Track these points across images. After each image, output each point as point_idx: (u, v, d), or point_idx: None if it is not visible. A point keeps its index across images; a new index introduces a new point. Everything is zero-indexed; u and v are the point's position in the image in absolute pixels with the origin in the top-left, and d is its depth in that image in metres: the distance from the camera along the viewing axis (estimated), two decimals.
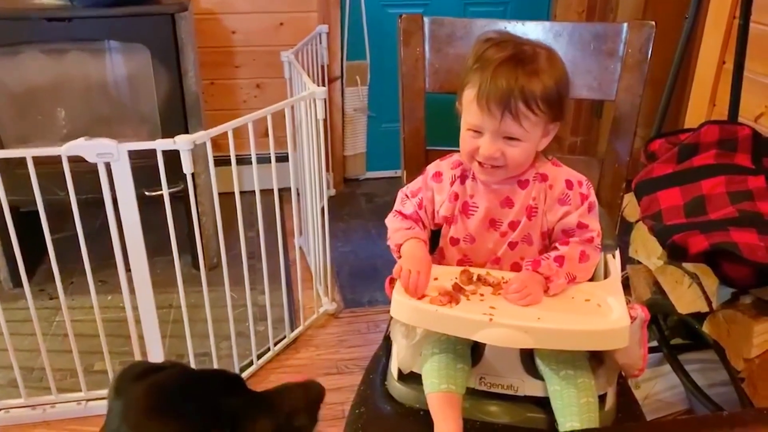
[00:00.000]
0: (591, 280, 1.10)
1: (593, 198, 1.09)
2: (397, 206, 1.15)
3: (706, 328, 1.36)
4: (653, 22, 1.25)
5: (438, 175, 1.11)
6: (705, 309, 1.36)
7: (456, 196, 1.10)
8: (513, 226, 1.08)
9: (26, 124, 2.14)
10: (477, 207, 1.09)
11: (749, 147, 1.51)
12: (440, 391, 1.00)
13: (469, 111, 1.02)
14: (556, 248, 1.06)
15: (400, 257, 1.07)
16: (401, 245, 1.08)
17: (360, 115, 2.92)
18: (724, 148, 1.50)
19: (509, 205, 1.07)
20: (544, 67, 1.00)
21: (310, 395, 0.77)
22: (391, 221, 1.13)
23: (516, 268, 1.09)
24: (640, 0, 2.87)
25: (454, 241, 1.11)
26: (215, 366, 1.73)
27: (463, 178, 1.09)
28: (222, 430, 0.63)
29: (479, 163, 1.03)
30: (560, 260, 1.03)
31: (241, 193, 1.62)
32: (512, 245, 1.08)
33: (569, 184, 1.07)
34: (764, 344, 1.27)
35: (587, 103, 3.00)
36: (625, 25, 1.26)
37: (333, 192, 2.92)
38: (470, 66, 1.03)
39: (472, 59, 1.03)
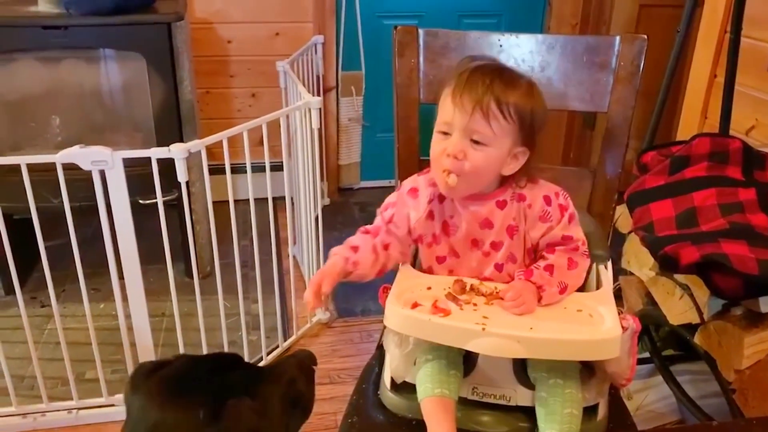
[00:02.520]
0: (583, 290, 1.11)
1: (572, 207, 1.08)
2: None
3: (697, 339, 1.37)
4: (645, 36, 1.26)
5: (414, 191, 1.10)
6: (696, 320, 1.36)
7: (432, 215, 1.08)
8: (496, 246, 1.08)
9: (20, 131, 2.14)
10: (458, 227, 1.08)
11: (740, 160, 1.52)
12: (434, 396, 1.00)
13: (443, 108, 1.03)
14: (543, 257, 1.07)
15: None
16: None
17: (355, 124, 2.93)
18: (715, 161, 1.51)
19: (489, 226, 1.07)
20: (523, 88, 1.02)
21: (303, 362, 0.82)
22: (350, 238, 1.11)
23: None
24: (633, 13, 2.90)
25: (441, 259, 1.11)
26: None
27: (441, 197, 1.08)
28: (239, 398, 0.66)
29: (447, 173, 1.02)
30: (550, 269, 1.04)
31: (235, 201, 1.63)
32: (498, 267, 1.08)
33: (547, 200, 1.07)
34: (755, 355, 1.27)
35: (580, 115, 3.03)
36: (618, 37, 1.28)
37: (327, 201, 2.93)
38: (451, 75, 1.05)
39: (454, 72, 1.05)
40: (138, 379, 0.70)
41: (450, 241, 1.09)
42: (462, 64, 1.05)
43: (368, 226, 1.12)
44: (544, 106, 1.05)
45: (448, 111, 1.01)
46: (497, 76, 1.01)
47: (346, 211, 2.92)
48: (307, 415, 0.81)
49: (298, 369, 0.79)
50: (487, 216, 1.07)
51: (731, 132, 1.79)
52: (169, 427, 0.64)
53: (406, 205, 1.10)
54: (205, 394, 0.67)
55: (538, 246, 1.09)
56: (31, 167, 1.42)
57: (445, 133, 1.02)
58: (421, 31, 1.33)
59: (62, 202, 1.45)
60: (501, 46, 1.32)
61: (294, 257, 2.26)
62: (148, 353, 1.65)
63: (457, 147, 1.00)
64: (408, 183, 1.12)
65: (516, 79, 1.03)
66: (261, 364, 1.85)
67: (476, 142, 1.00)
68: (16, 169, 1.42)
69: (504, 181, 1.08)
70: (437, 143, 1.03)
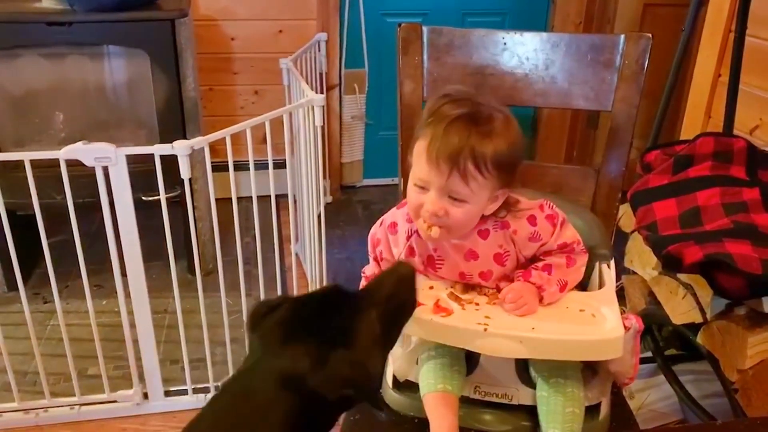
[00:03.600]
0: (585, 289, 1.11)
1: (560, 214, 1.06)
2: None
3: (700, 338, 1.37)
4: (650, 34, 1.26)
5: (393, 226, 1.09)
6: (699, 320, 1.36)
7: (412, 251, 1.07)
8: (485, 276, 1.06)
9: (24, 127, 2.14)
10: (443, 261, 1.07)
11: (744, 159, 1.52)
12: (437, 391, 1.00)
13: (418, 164, 0.98)
14: (541, 259, 1.06)
15: None
16: None
17: (357, 122, 2.93)
18: (719, 160, 1.51)
19: (474, 257, 1.05)
20: (499, 129, 0.97)
21: (400, 277, 0.83)
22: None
23: None
24: (638, 12, 2.89)
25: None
26: (210, 372, 1.73)
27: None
28: (336, 351, 0.70)
29: (423, 220, 1.00)
30: (548, 269, 1.03)
31: (238, 199, 1.63)
32: (497, 287, 1.06)
33: (533, 220, 1.04)
34: (758, 355, 1.27)
35: (583, 114, 3.02)
36: (623, 36, 1.27)
37: (330, 199, 2.93)
38: (425, 119, 1.00)
39: (427, 113, 1.00)
40: (255, 320, 0.75)
41: (438, 275, 1.08)
42: (435, 108, 0.99)
43: (366, 270, 1.13)
44: (522, 140, 1.01)
45: (423, 168, 0.97)
46: (472, 125, 0.95)
47: (348, 209, 2.92)
48: (408, 317, 0.85)
49: (395, 285, 0.82)
50: (470, 247, 1.04)
51: (735, 131, 1.78)
52: (275, 375, 0.67)
53: (389, 240, 1.09)
54: (308, 343, 0.70)
55: (535, 255, 1.08)
56: (34, 163, 1.43)
57: (422, 188, 0.98)
58: (425, 29, 1.33)
59: (65, 199, 1.45)
60: (505, 44, 1.32)
61: (296, 255, 2.26)
62: (150, 350, 1.66)
63: (436, 205, 0.97)
64: (388, 218, 1.10)
65: (491, 121, 0.97)
66: None
67: (455, 199, 0.97)
68: (19, 165, 1.43)
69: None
70: (415, 195, 0.99)
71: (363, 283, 1.10)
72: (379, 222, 1.12)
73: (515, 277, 1.04)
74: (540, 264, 1.04)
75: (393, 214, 1.10)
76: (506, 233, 1.04)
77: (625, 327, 0.96)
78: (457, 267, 1.06)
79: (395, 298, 0.81)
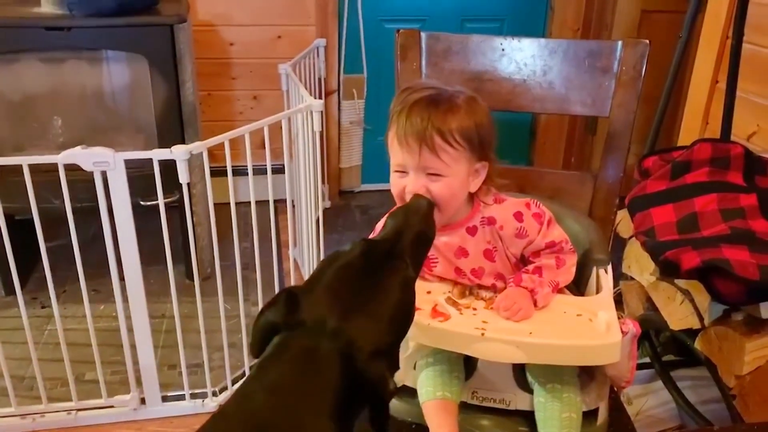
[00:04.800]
0: (583, 294, 1.11)
1: (547, 212, 1.08)
2: None
3: (698, 344, 1.37)
4: (647, 41, 1.26)
5: None
6: (697, 325, 1.36)
7: None
8: (476, 273, 1.07)
9: (22, 132, 2.14)
10: (437, 260, 1.08)
11: (741, 165, 1.52)
12: (436, 399, 1.00)
13: (392, 150, 1.03)
14: (531, 261, 1.07)
15: None
16: None
17: (356, 128, 2.94)
18: (716, 166, 1.51)
19: (464, 255, 1.07)
20: (461, 106, 1.00)
21: (419, 211, 0.89)
22: None
23: None
24: (635, 19, 2.90)
25: None
26: (207, 377, 1.72)
27: None
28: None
29: None
30: (539, 271, 1.04)
31: (236, 203, 1.62)
32: (490, 288, 1.08)
33: (519, 216, 1.06)
34: (756, 361, 1.27)
35: (581, 120, 3.03)
36: (620, 42, 1.28)
37: (328, 204, 2.93)
38: (391, 112, 1.04)
39: (392, 106, 1.04)
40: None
41: (434, 273, 1.09)
42: (399, 100, 1.04)
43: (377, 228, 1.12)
44: (489, 117, 1.04)
45: (397, 153, 1.02)
46: (433, 107, 0.99)
47: (346, 214, 2.92)
48: (429, 246, 0.90)
49: (422, 223, 0.87)
50: (460, 245, 1.06)
51: (732, 138, 1.78)
52: (336, 346, 0.68)
53: None
54: (360, 312, 0.72)
55: (523, 256, 1.08)
56: (33, 168, 1.43)
57: (401, 172, 1.02)
58: (423, 35, 1.33)
59: (63, 203, 1.45)
60: (503, 50, 1.32)
61: (295, 260, 2.26)
62: (147, 355, 1.65)
63: (416, 184, 1.00)
64: (380, 224, 1.12)
65: (453, 102, 1.01)
66: None
67: (433, 175, 1.00)
68: (17, 169, 1.43)
69: (472, 204, 1.07)
70: (397, 181, 1.03)
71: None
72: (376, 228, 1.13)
73: (507, 283, 1.05)
74: (530, 267, 1.05)
75: (384, 220, 1.10)
76: (493, 229, 1.06)
77: (623, 332, 0.96)
78: (451, 264, 1.07)
79: (420, 235, 0.85)
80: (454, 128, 0.99)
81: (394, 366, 0.75)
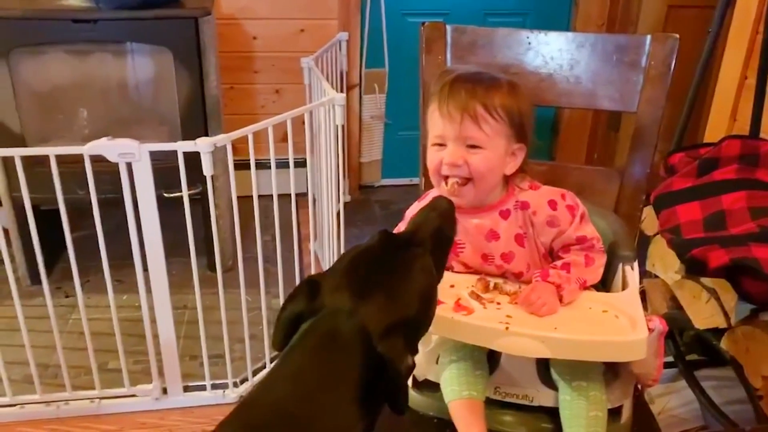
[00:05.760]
0: (609, 291, 1.10)
1: (581, 206, 1.08)
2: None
3: (723, 344, 1.35)
4: (677, 35, 1.24)
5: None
6: (723, 325, 1.34)
7: None
8: (506, 258, 1.07)
9: (48, 123, 2.16)
10: (464, 246, 1.08)
11: None
12: (462, 398, 1.00)
13: (432, 123, 1.04)
14: (560, 257, 1.06)
15: None
16: None
17: (377, 122, 2.93)
18: (745, 163, 1.49)
19: (495, 238, 1.07)
20: (503, 86, 1.03)
21: (441, 212, 0.87)
22: None
23: None
24: (662, 13, 2.86)
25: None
26: (228, 368, 1.73)
27: None
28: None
29: (446, 179, 1.03)
30: (567, 267, 1.03)
31: (258, 197, 1.63)
32: (517, 275, 1.08)
33: (553, 204, 1.06)
34: None
35: (604, 117, 3.00)
36: (649, 36, 1.26)
37: (348, 198, 2.93)
38: (431, 91, 1.07)
39: (435, 83, 1.07)
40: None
41: (460, 260, 1.08)
42: (441, 77, 1.06)
43: (406, 214, 1.13)
44: (530, 103, 1.07)
45: (437, 124, 1.03)
46: (477, 82, 1.02)
47: (366, 208, 2.92)
48: (450, 247, 0.90)
49: (440, 219, 0.86)
50: (491, 227, 1.06)
51: (762, 135, 1.75)
52: (356, 329, 0.68)
53: None
54: (379, 297, 0.72)
55: (552, 249, 1.08)
56: (59, 159, 1.44)
57: (440, 145, 1.03)
58: (448, 28, 1.33)
59: (89, 194, 1.47)
60: (530, 43, 1.31)
61: (315, 253, 2.27)
62: (170, 345, 1.67)
63: (455, 154, 1.01)
64: (410, 211, 1.12)
65: (496, 81, 1.03)
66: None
67: (472, 147, 1.00)
68: (43, 160, 1.44)
69: (506, 188, 1.06)
70: (434, 155, 1.04)
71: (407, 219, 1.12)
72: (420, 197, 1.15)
73: (533, 278, 1.04)
74: (558, 263, 1.04)
75: (415, 207, 1.12)
76: (526, 214, 1.06)
77: (649, 329, 0.95)
78: (479, 249, 1.07)
79: (439, 232, 0.84)
80: (497, 102, 1.00)
81: (412, 346, 0.75)
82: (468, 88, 1.00)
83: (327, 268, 2.23)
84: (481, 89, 1.01)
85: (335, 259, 2.02)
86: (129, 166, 1.45)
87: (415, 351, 0.75)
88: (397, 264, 0.76)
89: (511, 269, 1.07)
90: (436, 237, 0.84)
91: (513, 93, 1.03)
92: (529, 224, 1.06)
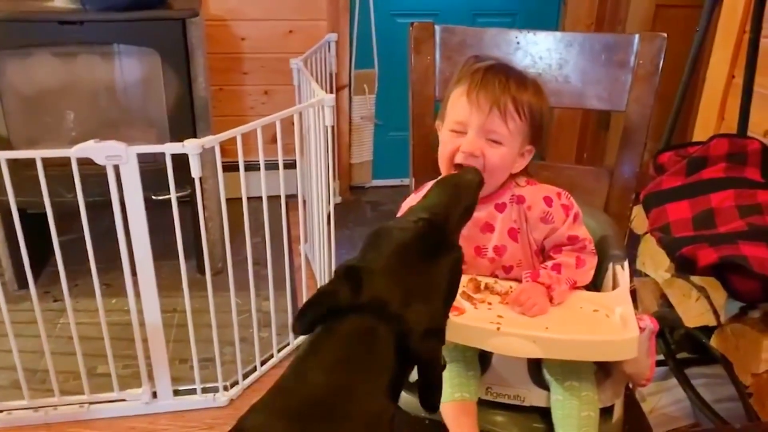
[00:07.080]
0: (599, 290, 1.10)
1: (576, 207, 1.08)
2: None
3: (713, 342, 1.35)
4: (665, 34, 1.25)
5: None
6: (713, 323, 1.35)
7: None
8: (499, 251, 1.07)
9: (35, 126, 2.14)
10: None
11: (759, 161, 1.51)
12: (454, 400, 0.99)
13: (456, 107, 1.02)
14: (551, 257, 1.06)
15: None
16: None
17: (367, 123, 2.93)
18: (733, 162, 1.50)
19: (490, 230, 1.07)
20: (531, 87, 1.03)
21: (464, 184, 0.86)
22: None
23: None
24: (650, 12, 2.88)
25: None
26: (218, 371, 1.72)
27: None
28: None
29: (456, 168, 1.02)
30: (557, 268, 1.03)
31: (247, 199, 1.62)
32: (507, 269, 1.08)
33: (548, 201, 1.06)
34: None
35: (594, 116, 3.01)
36: (637, 36, 1.26)
37: (339, 199, 2.93)
38: (459, 73, 1.05)
39: (460, 70, 1.06)
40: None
41: None
42: (469, 63, 1.05)
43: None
44: (549, 103, 1.07)
45: (462, 110, 1.01)
46: (510, 76, 1.01)
47: (357, 209, 2.92)
48: (469, 219, 0.88)
49: (473, 198, 0.86)
50: (486, 220, 1.06)
51: (749, 133, 1.76)
52: (394, 333, 0.68)
53: None
54: (420, 297, 0.72)
55: (544, 248, 1.08)
56: (45, 162, 1.43)
57: (458, 132, 1.01)
58: (437, 28, 1.32)
59: (76, 197, 1.45)
60: (518, 43, 1.31)
61: (305, 255, 2.26)
62: (159, 349, 1.66)
63: (474, 144, 1.00)
64: (407, 203, 1.11)
65: (525, 79, 1.03)
66: (271, 362, 1.86)
67: (493, 141, 1.00)
68: (30, 163, 1.43)
69: (504, 182, 1.07)
70: (450, 140, 1.03)
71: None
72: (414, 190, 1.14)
73: (524, 278, 1.04)
74: (549, 263, 1.04)
75: (412, 199, 1.11)
76: (521, 208, 1.06)
77: (640, 328, 0.95)
78: (473, 241, 1.07)
79: (468, 209, 0.84)
80: (526, 101, 1.00)
81: (443, 342, 0.76)
82: (501, 80, 0.99)
83: (318, 269, 2.22)
84: (513, 84, 1.00)
85: (326, 260, 2.02)
86: (116, 168, 1.44)
87: (443, 344, 0.77)
88: (436, 264, 0.76)
89: (503, 262, 1.07)
90: (464, 216, 0.84)
91: (539, 93, 1.03)
92: (524, 219, 1.06)
